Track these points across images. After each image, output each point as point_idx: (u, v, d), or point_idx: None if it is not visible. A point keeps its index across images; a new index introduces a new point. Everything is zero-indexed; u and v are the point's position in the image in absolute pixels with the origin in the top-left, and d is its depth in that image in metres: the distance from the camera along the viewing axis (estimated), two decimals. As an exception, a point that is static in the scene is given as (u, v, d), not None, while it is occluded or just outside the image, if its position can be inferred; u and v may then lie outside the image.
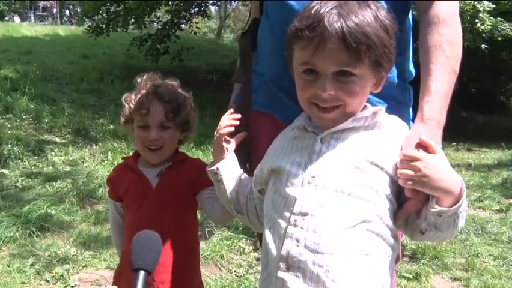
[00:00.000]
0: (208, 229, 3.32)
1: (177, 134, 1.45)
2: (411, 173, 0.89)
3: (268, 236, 1.00)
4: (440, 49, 1.06)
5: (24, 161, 4.76)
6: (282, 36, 1.02)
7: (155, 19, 11.52)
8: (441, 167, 0.89)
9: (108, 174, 1.60)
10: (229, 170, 1.16)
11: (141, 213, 1.42)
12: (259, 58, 1.35)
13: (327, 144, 0.97)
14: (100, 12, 9.85)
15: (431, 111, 1.02)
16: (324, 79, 0.93)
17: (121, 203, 1.51)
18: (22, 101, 6.35)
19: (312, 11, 0.93)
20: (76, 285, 2.66)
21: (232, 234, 3.31)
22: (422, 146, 0.93)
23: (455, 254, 3.32)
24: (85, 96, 7.38)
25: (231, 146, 1.18)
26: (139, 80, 1.48)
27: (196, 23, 11.29)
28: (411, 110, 1.26)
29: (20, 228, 3.21)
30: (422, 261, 3.16)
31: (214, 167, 1.15)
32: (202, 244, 3.04)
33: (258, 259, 3.01)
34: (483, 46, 7.84)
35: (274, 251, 0.96)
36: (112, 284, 1.52)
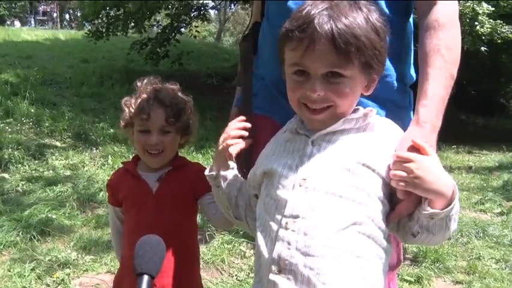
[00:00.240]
0: (209, 233, 3.31)
1: (178, 138, 1.45)
2: (404, 174, 0.88)
3: (260, 239, 1.00)
4: (438, 53, 1.06)
5: (25, 165, 4.76)
6: None
7: (155, 23, 11.53)
8: (434, 169, 0.89)
9: (108, 178, 1.60)
10: (229, 176, 1.15)
11: (141, 217, 1.42)
12: (260, 62, 1.35)
13: (318, 147, 0.97)
14: (100, 16, 9.89)
15: (427, 115, 1.02)
16: (314, 80, 0.93)
17: (121, 208, 1.51)
18: (22, 105, 6.36)
19: (303, 12, 0.93)
20: (76, 289, 2.65)
21: (233, 238, 3.30)
22: (415, 148, 0.92)
23: (457, 257, 3.31)
24: (85, 100, 7.40)
25: (234, 153, 1.17)
26: (139, 83, 1.48)
27: (196, 26, 11.32)
28: (412, 113, 1.26)
29: (20, 232, 3.20)
30: (424, 264, 3.15)
31: (214, 173, 1.14)
32: (203, 248, 3.04)
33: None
34: (483, 49, 7.86)
35: (266, 254, 0.96)
36: (113, 290, 1.52)
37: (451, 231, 0.93)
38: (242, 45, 1.42)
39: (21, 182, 4.30)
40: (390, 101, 1.16)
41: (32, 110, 6.31)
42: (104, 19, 9.97)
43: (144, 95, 1.43)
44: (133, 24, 9.87)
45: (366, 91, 1.00)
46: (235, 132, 1.13)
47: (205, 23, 12.41)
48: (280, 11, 1.18)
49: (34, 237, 3.17)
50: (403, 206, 0.93)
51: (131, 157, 1.59)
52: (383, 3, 1.13)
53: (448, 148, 7.83)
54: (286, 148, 1.03)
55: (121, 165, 1.57)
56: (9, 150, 4.96)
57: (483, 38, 7.70)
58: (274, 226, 0.96)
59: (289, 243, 0.92)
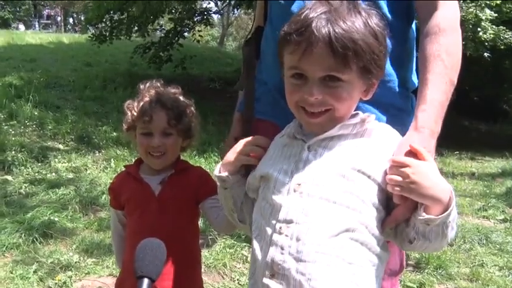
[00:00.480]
0: (211, 237, 3.31)
1: (179, 140, 1.46)
2: (400, 178, 0.88)
3: (255, 242, 1.00)
4: (438, 58, 1.05)
5: (28, 168, 4.77)
6: None
7: (158, 27, 11.59)
8: (431, 175, 0.88)
9: (111, 181, 1.61)
10: (237, 180, 1.13)
11: (143, 220, 1.42)
12: (263, 66, 1.35)
13: (314, 152, 0.97)
14: (104, 20, 9.94)
15: (425, 120, 1.02)
16: (311, 84, 0.93)
17: (123, 211, 1.51)
18: (26, 108, 6.39)
19: (302, 16, 0.93)
20: (78, 292, 2.66)
21: (235, 242, 3.30)
22: (412, 153, 0.92)
23: (460, 264, 3.29)
24: (88, 103, 7.43)
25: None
26: (141, 86, 1.49)
27: (199, 31, 11.36)
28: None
29: (23, 234, 3.21)
30: (426, 270, 3.13)
31: (224, 175, 1.11)
32: (205, 252, 3.03)
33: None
34: (486, 55, 7.86)
35: (260, 258, 0.97)
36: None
37: (448, 239, 0.92)
38: (245, 50, 1.43)
39: (24, 184, 4.31)
40: (392, 106, 1.16)
41: (36, 113, 6.34)
42: (107, 23, 10.03)
43: (146, 98, 1.44)
44: (136, 28, 9.93)
45: (365, 96, 1.00)
46: (249, 149, 1.10)
47: (208, 27, 12.47)
48: (283, 15, 1.17)
49: (36, 240, 3.17)
50: (399, 211, 0.92)
51: (133, 161, 1.60)
52: (385, 8, 1.13)
53: (451, 154, 7.80)
54: (283, 153, 1.03)
55: (123, 169, 1.57)
56: (13, 152, 4.98)
57: (486, 44, 7.69)
58: (268, 230, 0.96)
59: (282, 248, 0.92)
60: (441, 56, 1.05)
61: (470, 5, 7.55)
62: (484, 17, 7.47)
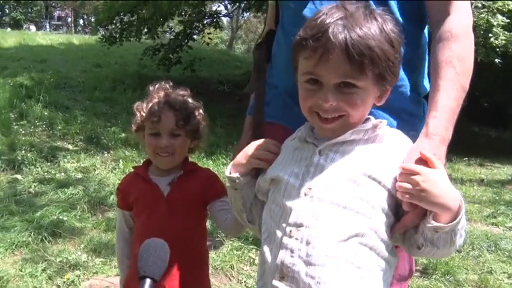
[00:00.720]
0: (218, 239, 3.32)
1: (187, 141, 1.47)
2: (409, 186, 0.88)
3: (265, 245, 1.01)
4: (449, 64, 1.05)
5: (37, 167, 4.82)
6: None
7: (168, 29, 11.65)
8: (441, 183, 0.87)
9: (119, 182, 1.62)
10: (248, 181, 1.13)
11: (152, 221, 1.43)
12: (274, 70, 1.35)
13: (326, 157, 0.97)
14: (114, 21, 10.01)
15: (436, 127, 1.01)
16: (326, 90, 0.93)
17: (130, 212, 1.52)
18: (36, 108, 6.46)
19: (318, 21, 0.93)
20: (86, 291, 2.67)
21: (243, 244, 3.30)
22: (423, 160, 0.91)
23: (468, 271, 3.27)
24: (98, 104, 7.49)
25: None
26: (151, 88, 1.51)
27: (209, 33, 11.41)
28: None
29: (32, 233, 3.24)
30: (434, 276, 3.11)
31: (235, 175, 1.11)
32: (212, 254, 3.04)
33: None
34: (497, 60, 7.79)
35: (269, 260, 0.97)
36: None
37: (456, 246, 0.92)
38: (255, 54, 1.43)
39: (34, 184, 4.36)
40: (404, 110, 1.16)
41: (46, 113, 6.40)
42: (117, 25, 10.11)
43: (155, 99, 1.46)
44: (146, 30, 9.99)
45: (378, 101, 1.00)
46: (262, 154, 1.09)
47: (218, 30, 12.49)
48: (295, 19, 1.17)
49: (45, 238, 3.21)
50: (408, 218, 0.92)
51: (142, 162, 1.61)
52: (396, 12, 1.13)
53: (460, 160, 7.74)
54: (294, 156, 1.03)
55: (132, 170, 1.58)
56: (23, 152, 5.04)
57: (497, 49, 7.63)
58: (279, 233, 0.96)
59: (292, 251, 0.93)
60: (453, 62, 1.05)
61: (482, 10, 7.50)
62: (495, 23, 7.41)
